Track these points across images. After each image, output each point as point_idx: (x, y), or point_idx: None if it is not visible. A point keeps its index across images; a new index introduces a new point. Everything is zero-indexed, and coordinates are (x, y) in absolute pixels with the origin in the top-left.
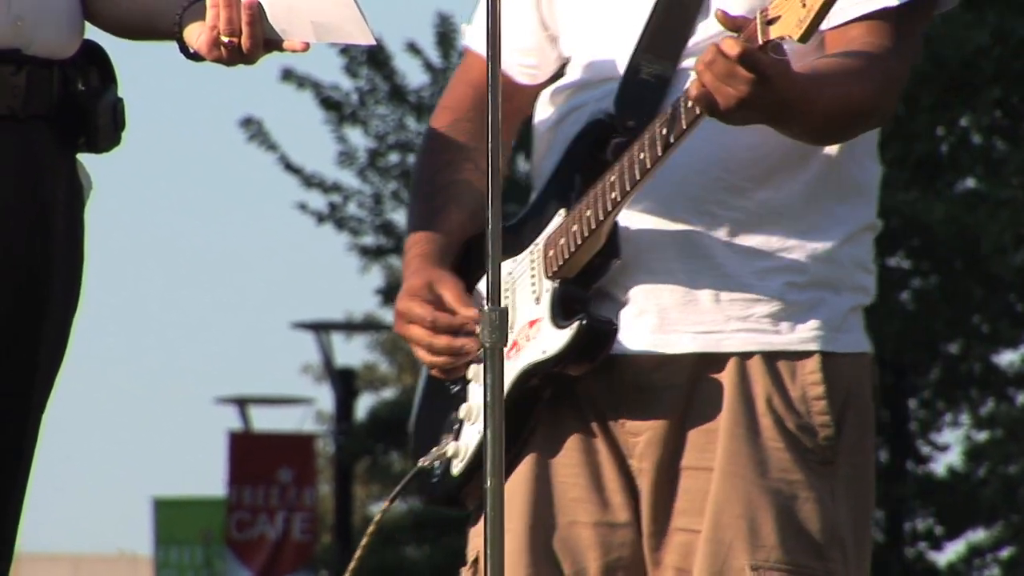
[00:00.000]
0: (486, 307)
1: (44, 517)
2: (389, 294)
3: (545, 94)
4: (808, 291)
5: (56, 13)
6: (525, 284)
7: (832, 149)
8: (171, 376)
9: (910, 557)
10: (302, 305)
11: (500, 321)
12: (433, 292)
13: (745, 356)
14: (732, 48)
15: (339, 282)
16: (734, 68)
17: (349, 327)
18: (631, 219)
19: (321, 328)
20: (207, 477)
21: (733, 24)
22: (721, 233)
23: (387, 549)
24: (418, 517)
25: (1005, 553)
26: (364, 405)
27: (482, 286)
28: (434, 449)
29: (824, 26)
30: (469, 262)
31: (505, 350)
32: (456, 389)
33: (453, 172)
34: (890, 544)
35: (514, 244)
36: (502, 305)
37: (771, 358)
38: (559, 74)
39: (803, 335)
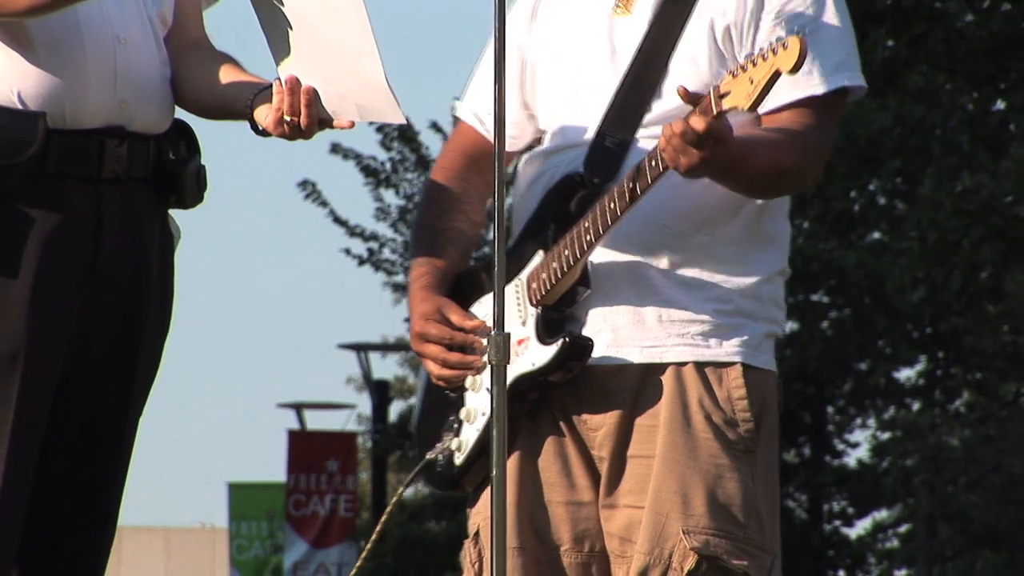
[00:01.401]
0: (493, 332)
1: (142, 497)
2: None
3: (526, 157)
4: (733, 317)
5: (152, 97)
6: (512, 310)
7: (755, 207)
8: (243, 386)
9: (827, 532)
10: (347, 330)
11: (504, 344)
12: (442, 315)
13: (681, 364)
14: (698, 122)
15: (376, 312)
16: (698, 136)
17: (384, 347)
18: (592, 256)
19: (362, 348)
20: (271, 466)
21: (692, 98)
22: (665, 268)
23: (412, 524)
24: (438, 498)
25: (903, 529)
26: (396, 410)
27: (475, 309)
28: (438, 444)
29: (761, 110)
30: (461, 291)
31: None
32: (455, 396)
33: (449, 220)
34: (811, 522)
35: None
36: (492, 328)
37: (702, 366)
38: (536, 142)
39: (728, 349)
